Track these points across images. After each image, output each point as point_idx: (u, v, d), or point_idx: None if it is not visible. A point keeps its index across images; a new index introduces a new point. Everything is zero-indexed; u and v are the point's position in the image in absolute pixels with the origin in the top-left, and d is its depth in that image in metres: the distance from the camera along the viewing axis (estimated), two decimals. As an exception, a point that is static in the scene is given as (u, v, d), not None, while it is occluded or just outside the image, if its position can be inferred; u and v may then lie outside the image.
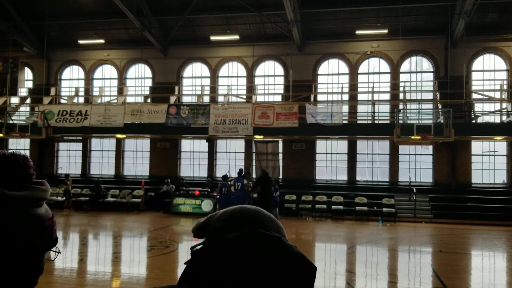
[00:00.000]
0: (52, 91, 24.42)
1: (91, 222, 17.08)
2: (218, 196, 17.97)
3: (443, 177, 20.71)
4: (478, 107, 20.77)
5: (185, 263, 1.01)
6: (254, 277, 0.91)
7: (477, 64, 21.43)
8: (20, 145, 25.19)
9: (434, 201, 19.41)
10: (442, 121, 18.03)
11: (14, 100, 25.02)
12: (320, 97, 22.54)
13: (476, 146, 20.82)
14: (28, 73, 25.73)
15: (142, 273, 9.29)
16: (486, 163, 20.76)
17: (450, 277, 9.11)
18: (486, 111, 20.62)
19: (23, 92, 25.41)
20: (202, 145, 23.07)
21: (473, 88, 21.18)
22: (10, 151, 1.27)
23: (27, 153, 23.89)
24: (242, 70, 23.50)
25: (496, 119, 20.69)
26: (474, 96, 21.04)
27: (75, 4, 22.32)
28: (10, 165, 1.22)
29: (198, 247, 0.99)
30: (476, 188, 20.34)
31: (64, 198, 20.47)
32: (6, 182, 1.17)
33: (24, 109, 24.76)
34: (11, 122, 20.95)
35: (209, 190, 19.75)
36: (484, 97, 20.87)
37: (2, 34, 22.87)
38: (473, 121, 20.23)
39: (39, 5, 22.52)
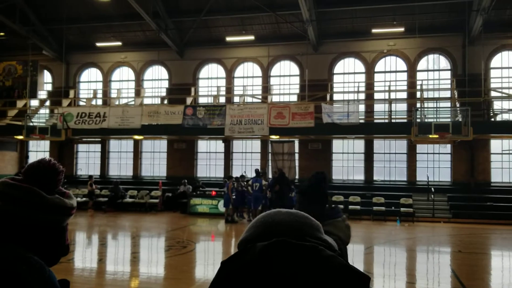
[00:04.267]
0: (71, 93, 24.81)
1: (110, 223, 17.30)
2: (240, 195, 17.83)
3: (461, 176, 20.45)
4: (497, 105, 20.46)
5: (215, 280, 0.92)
6: None
7: (496, 61, 21.11)
8: (40, 147, 25.65)
9: (453, 201, 19.17)
10: (460, 120, 17.79)
11: (34, 102, 25.47)
12: (336, 97, 22.46)
13: (496, 144, 20.50)
14: (47, 76, 26.16)
15: (160, 273, 9.40)
16: (506, 161, 20.44)
17: (469, 277, 9.02)
18: (505, 109, 20.29)
19: (42, 94, 25.85)
20: (218, 145, 23.18)
21: (492, 85, 20.86)
22: (48, 158, 1.40)
23: (47, 155, 24.34)
24: (257, 71, 23.54)
25: (516, 117, 20.36)
26: (493, 94, 20.74)
27: (92, 8, 22.63)
28: (48, 172, 1.37)
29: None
30: (496, 187, 20.04)
31: (88, 199, 20.79)
32: (42, 186, 1.32)
33: (44, 111, 25.18)
34: (31, 124, 21.31)
35: (225, 190, 19.80)
36: (503, 94, 20.55)
37: (22, 38, 23.30)
38: (492, 119, 19.94)
39: (58, 10, 22.89)
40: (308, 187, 2.72)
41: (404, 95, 21.81)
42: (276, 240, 0.88)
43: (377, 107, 21.75)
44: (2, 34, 23.97)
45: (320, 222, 2.86)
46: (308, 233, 0.94)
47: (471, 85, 20.09)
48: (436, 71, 22.12)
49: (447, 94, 21.45)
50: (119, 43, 24.11)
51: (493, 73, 21.14)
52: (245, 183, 18.18)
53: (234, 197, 17.54)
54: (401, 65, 22.06)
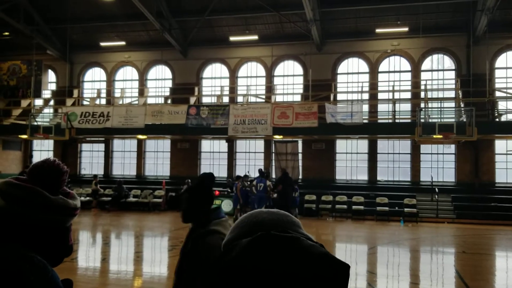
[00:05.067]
0: (75, 93, 24.87)
1: (114, 222, 17.33)
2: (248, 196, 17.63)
3: (466, 177, 20.38)
4: (501, 105, 20.37)
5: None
6: (273, 282, 0.87)
7: (500, 61, 21.03)
8: (44, 146, 25.70)
9: (457, 201, 19.11)
10: (464, 120, 17.72)
11: (38, 102, 25.56)
12: (339, 97, 22.42)
13: (500, 145, 20.42)
14: (51, 76, 26.23)
15: (163, 272, 9.40)
16: (510, 162, 20.34)
17: (473, 278, 8.98)
18: (510, 109, 20.20)
19: (46, 94, 25.92)
20: (221, 145, 23.18)
21: (496, 86, 20.79)
22: (52, 158, 1.40)
23: (51, 154, 24.42)
24: (261, 70, 23.53)
25: (521, 117, 20.27)
26: (498, 94, 20.66)
27: (96, 8, 22.66)
28: (52, 172, 1.37)
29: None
30: (500, 187, 19.97)
31: (92, 198, 20.87)
32: (46, 187, 1.32)
33: (48, 110, 25.24)
34: (35, 123, 21.37)
35: (229, 190, 19.82)
36: (508, 95, 20.46)
37: (26, 38, 23.38)
38: (497, 120, 19.86)
39: (61, 9, 22.94)
40: (195, 186, 2.80)
41: (408, 95, 21.76)
42: (260, 233, 0.93)
43: (381, 107, 21.72)
44: (6, 33, 24.06)
45: (208, 220, 2.73)
46: (291, 229, 0.98)
47: (475, 85, 20.02)
48: (440, 71, 22.04)
49: (452, 94, 21.37)
50: (123, 43, 24.15)
51: (497, 73, 21.06)
52: (249, 183, 18.15)
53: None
54: (405, 65, 22.00)
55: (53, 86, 26.30)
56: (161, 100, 24.06)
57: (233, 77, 23.73)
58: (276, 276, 0.87)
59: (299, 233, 0.98)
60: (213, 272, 0.95)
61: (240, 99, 23.20)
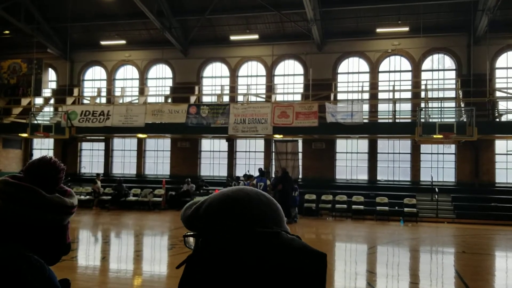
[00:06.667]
0: (75, 91, 24.87)
1: (114, 221, 17.33)
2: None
3: (466, 177, 20.37)
4: (502, 105, 20.36)
5: (177, 267, 1.00)
6: (256, 278, 0.88)
7: (501, 61, 21.01)
8: (44, 145, 25.72)
9: (457, 201, 19.10)
10: (465, 120, 17.72)
11: (38, 100, 25.58)
12: (340, 96, 22.41)
13: (500, 145, 20.42)
14: (51, 74, 26.22)
15: (163, 271, 9.40)
16: (511, 162, 20.34)
17: (473, 278, 8.98)
18: (510, 109, 20.20)
19: (47, 92, 25.93)
20: (222, 144, 23.18)
21: (497, 86, 20.79)
22: (48, 156, 1.39)
23: (51, 153, 24.43)
24: (261, 70, 23.52)
25: (521, 117, 20.26)
26: (498, 94, 20.66)
27: (97, 6, 22.67)
28: (48, 170, 1.35)
29: (189, 236, 0.98)
30: (500, 187, 19.95)
31: (92, 197, 20.93)
32: (42, 185, 1.31)
33: (48, 109, 25.25)
34: (35, 122, 21.37)
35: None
36: (508, 95, 20.46)
37: (27, 36, 23.37)
38: (497, 120, 19.84)
39: (62, 8, 22.92)
40: None
41: (408, 95, 21.75)
42: (245, 229, 0.92)
43: (381, 107, 21.71)
44: (7, 32, 24.05)
45: None
46: (267, 216, 0.97)
47: (476, 85, 20.01)
48: (440, 71, 22.04)
49: (452, 94, 21.37)
50: (124, 42, 24.14)
51: (498, 73, 21.05)
52: (247, 182, 18.17)
53: None
54: (406, 64, 21.99)
55: (53, 85, 26.29)
56: (161, 99, 24.05)
57: (234, 76, 23.72)
58: (255, 270, 0.88)
59: (278, 221, 0.98)
60: (186, 271, 0.95)
61: (240, 98, 23.20)
